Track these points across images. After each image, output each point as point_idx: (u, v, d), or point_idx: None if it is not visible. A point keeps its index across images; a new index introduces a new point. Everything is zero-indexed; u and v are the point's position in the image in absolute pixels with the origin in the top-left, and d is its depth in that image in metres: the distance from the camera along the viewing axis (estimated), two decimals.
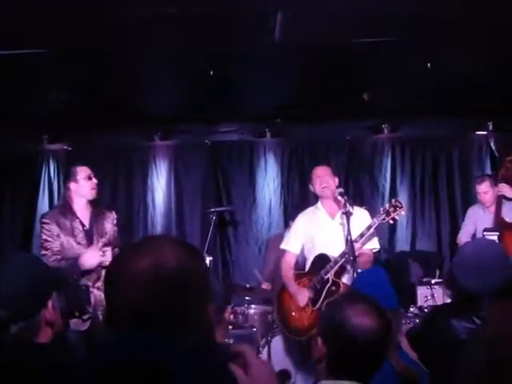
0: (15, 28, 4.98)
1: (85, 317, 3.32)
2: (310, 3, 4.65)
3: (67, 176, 5.23)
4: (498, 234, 5.74)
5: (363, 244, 5.17)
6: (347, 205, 5.06)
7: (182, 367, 1.32)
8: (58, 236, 4.91)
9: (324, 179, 5.42)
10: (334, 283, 5.18)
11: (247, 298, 6.59)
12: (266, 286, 6.93)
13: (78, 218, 5.02)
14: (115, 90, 6.69)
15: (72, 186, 5.05)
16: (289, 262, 5.60)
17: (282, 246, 5.72)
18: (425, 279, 6.95)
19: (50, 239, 4.92)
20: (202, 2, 4.66)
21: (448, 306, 3.38)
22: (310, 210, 5.68)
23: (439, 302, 6.37)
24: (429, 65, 5.85)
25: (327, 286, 5.21)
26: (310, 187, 5.60)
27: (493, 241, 4.69)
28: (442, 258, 7.83)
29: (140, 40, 5.41)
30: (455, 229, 7.77)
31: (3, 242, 8.17)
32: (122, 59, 5.92)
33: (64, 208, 5.05)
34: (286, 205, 8.38)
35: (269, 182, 8.43)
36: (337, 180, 5.52)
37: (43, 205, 8.36)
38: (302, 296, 5.35)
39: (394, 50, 5.66)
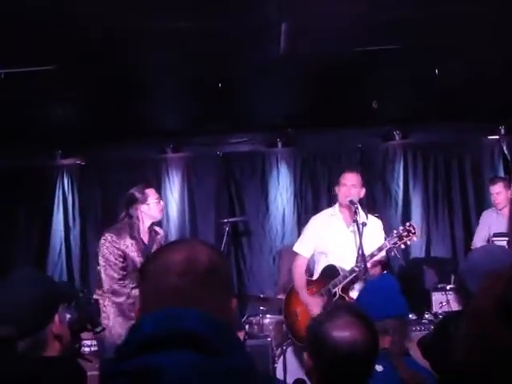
0: (26, 46, 5.05)
1: (97, 329, 3.33)
2: (314, 14, 4.68)
3: (135, 198, 5.15)
4: (507, 239, 5.71)
5: (372, 264, 5.12)
6: (358, 213, 5.05)
7: (216, 335, 1.41)
8: (122, 255, 4.99)
9: (350, 190, 5.29)
10: (341, 298, 5.17)
11: (262, 307, 6.59)
12: (281, 296, 6.93)
13: (141, 239, 5.12)
14: (126, 104, 6.74)
15: (143, 207, 5.11)
16: (301, 268, 5.55)
17: (295, 249, 5.66)
18: (440, 285, 6.92)
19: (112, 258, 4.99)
20: (209, 16, 4.70)
21: (459, 313, 3.35)
22: (326, 214, 5.61)
23: (455, 308, 6.31)
24: (436, 71, 5.84)
25: (333, 300, 5.20)
26: (336, 190, 5.48)
27: (503, 246, 4.67)
28: (457, 264, 7.75)
29: (151, 54, 5.46)
30: (469, 234, 7.74)
31: (18, 257, 8.23)
32: (133, 73, 5.97)
33: (131, 229, 5.08)
34: (299, 214, 8.38)
35: (281, 192, 8.44)
36: (363, 191, 5.41)
37: (58, 219, 8.45)
38: (315, 305, 5.31)
39: (401, 56, 5.65)
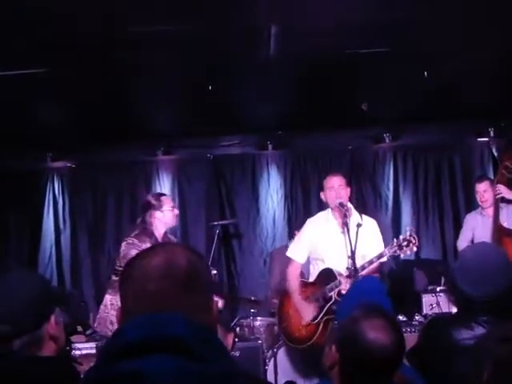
0: (16, 48, 5.03)
1: (88, 332, 3.33)
2: (304, 16, 4.68)
3: (151, 205, 5.33)
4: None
5: (371, 270, 5.07)
6: (347, 215, 5.04)
7: (198, 340, 1.39)
8: None
9: (339, 192, 5.27)
10: (336, 302, 5.08)
11: (253, 310, 6.60)
12: (273, 298, 6.93)
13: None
14: (117, 106, 6.73)
15: (158, 214, 5.29)
16: (294, 272, 5.52)
17: (288, 254, 5.63)
18: (430, 287, 6.95)
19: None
20: (198, 18, 4.71)
21: (445, 315, 3.33)
22: (320, 218, 5.55)
23: (445, 310, 6.36)
24: (426, 73, 5.86)
25: (329, 304, 5.18)
26: (322, 196, 5.47)
27: (495, 245, 4.67)
28: (447, 266, 7.79)
29: (140, 57, 5.45)
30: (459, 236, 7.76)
31: (10, 259, 8.20)
32: (124, 76, 5.95)
33: (148, 234, 5.25)
34: (289, 216, 8.40)
35: (272, 194, 8.45)
36: (349, 190, 5.41)
37: (48, 222, 8.43)
38: (308, 312, 5.30)
39: (391, 59, 5.67)
